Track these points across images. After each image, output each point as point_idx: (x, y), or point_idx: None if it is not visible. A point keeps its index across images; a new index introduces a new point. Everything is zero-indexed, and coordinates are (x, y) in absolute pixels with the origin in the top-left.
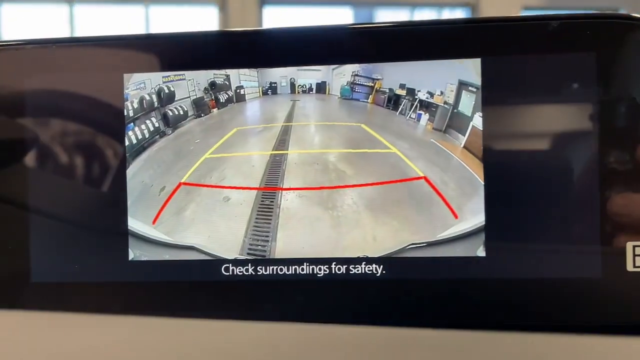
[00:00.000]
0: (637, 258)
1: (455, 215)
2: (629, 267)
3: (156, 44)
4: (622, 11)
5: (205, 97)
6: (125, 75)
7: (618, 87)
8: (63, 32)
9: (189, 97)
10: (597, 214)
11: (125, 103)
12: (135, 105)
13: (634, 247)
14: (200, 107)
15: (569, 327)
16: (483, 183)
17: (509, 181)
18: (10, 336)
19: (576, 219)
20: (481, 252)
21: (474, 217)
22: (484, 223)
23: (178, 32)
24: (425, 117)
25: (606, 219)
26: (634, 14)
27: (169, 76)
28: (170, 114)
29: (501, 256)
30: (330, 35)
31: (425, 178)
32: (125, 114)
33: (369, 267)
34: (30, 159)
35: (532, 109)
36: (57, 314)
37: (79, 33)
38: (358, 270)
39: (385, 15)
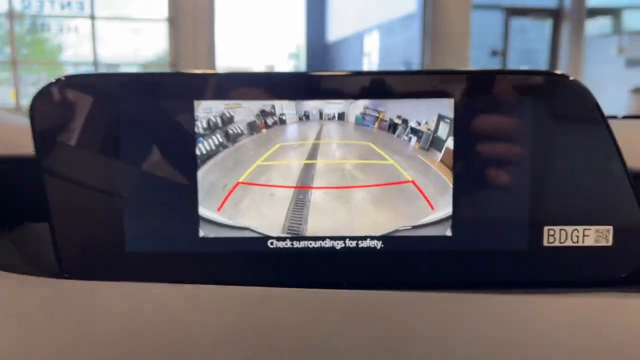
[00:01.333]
0: (550, 237)
1: (432, 207)
2: (545, 243)
3: (220, 79)
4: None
5: (256, 120)
6: (196, 102)
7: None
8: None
9: (245, 120)
10: (525, 206)
11: (196, 123)
12: (204, 125)
13: (548, 229)
14: (253, 128)
15: (508, 286)
16: (452, 186)
17: (470, 185)
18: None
19: (513, 212)
20: (449, 233)
21: (445, 209)
22: (451, 213)
23: (238, 71)
24: (414, 139)
25: (531, 206)
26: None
27: (229, 104)
28: (231, 132)
29: (462, 235)
30: (349, 80)
31: (413, 182)
32: (196, 131)
33: (372, 242)
34: (129, 163)
35: (486, 135)
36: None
37: None
38: (364, 245)
39: None
